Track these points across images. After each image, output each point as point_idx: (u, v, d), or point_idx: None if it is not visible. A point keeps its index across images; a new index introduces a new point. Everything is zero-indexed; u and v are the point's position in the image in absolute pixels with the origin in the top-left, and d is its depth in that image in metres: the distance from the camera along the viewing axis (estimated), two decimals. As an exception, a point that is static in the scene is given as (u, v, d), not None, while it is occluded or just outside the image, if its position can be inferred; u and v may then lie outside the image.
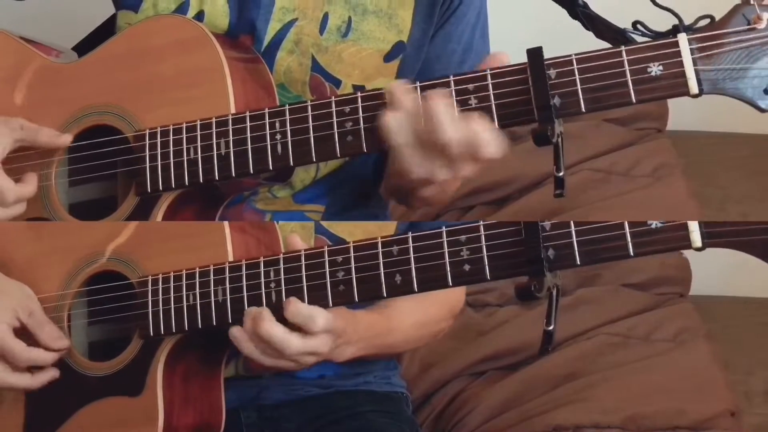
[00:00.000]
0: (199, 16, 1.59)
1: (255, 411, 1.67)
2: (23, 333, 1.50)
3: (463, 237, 1.32)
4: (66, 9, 1.89)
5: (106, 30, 1.75)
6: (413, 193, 1.52)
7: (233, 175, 1.43)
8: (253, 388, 1.68)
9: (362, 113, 1.37)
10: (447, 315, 1.71)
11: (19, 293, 1.53)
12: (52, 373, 1.51)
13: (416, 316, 1.64)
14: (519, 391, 2.15)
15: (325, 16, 1.59)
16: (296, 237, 1.44)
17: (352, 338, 1.49)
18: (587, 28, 1.32)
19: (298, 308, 1.38)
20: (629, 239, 1.25)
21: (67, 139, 1.53)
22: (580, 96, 1.27)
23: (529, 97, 1.29)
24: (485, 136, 1.31)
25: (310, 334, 1.38)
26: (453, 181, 1.43)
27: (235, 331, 1.40)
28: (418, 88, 1.35)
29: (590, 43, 1.35)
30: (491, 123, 1.32)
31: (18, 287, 1.54)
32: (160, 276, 1.47)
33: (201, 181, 1.45)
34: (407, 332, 1.64)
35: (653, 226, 1.24)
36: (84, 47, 1.70)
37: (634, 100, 1.25)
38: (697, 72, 1.23)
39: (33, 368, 1.51)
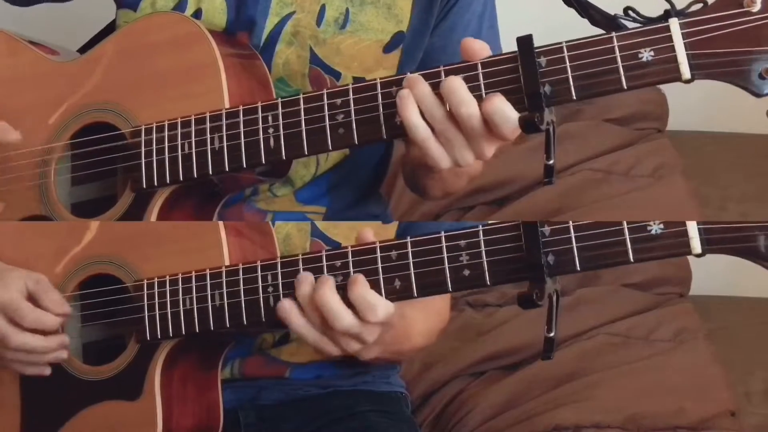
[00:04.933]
0: (197, 14, 1.60)
1: (253, 411, 1.67)
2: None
3: (462, 242, 1.32)
4: (71, 11, 1.89)
5: (111, 32, 1.75)
6: (435, 179, 1.55)
7: (226, 169, 1.43)
8: (252, 388, 1.68)
9: (353, 105, 1.37)
10: (439, 327, 1.70)
11: (25, 269, 1.54)
12: (63, 338, 1.51)
13: (423, 324, 1.63)
14: (519, 391, 2.15)
15: (322, 8, 1.59)
16: (370, 231, 1.41)
17: (384, 340, 1.46)
18: (581, 15, 1.32)
19: (364, 292, 1.35)
20: (629, 245, 1.24)
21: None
22: (571, 83, 1.26)
23: (520, 86, 1.29)
24: (508, 111, 1.29)
25: (365, 320, 1.36)
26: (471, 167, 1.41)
27: (287, 303, 1.37)
28: (443, 71, 1.34)
29: (588, 32, 1.34)
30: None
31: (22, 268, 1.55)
32: (156, 280, 1.47)
33: (195, 176, 1.45)
34: (416, 340, 1.63)
35: (653, 231, 1.23)
36: (89, 49, 1.70)
37: (625, 87, 1.24)
38: (688, 57, 1.21)
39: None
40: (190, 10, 1.60)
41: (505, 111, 1.29)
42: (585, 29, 1.38)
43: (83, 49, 1.75)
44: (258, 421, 1.67)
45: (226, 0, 1.60)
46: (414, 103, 1.33)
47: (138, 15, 1.62)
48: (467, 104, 1.30)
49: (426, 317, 1.63)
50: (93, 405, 1.50)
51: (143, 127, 1.48)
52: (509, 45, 1.53)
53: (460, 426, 2.12)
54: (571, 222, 1.27)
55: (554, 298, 1.29)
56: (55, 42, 1.69)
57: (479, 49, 1.33)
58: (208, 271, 1.44)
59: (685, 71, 1.22)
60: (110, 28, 1.76)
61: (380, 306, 1.35)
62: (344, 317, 1.35)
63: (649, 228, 1.24)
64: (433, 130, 1.33)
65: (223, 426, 1.54)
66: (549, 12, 1.69)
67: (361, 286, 1.34)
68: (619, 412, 2.06)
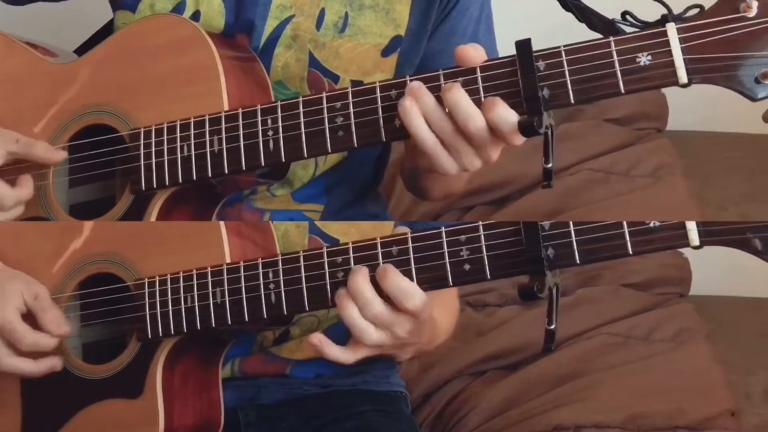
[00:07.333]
0: (196, 16, 1.60)
1: (253, 410, 1.67)
2: (28, 318, 1.50)
3: (462, 237, 1.32)
4: (68, 12, 1.90)
5: (107, 32, 1.75)
6: (438, 181, 1.56)
7: (226, 171, 1.43)
8: (252, 387, 1.68)
9: (353, 108, 1.37)
10: (454, 323, 1.70)
11: (25, 278, 1.54)
12: (54, 362, 1.51)
13: (446, 321, 1.63)
14: (519, 391, 2.15)
15: (322, 12, 1.59)
16: (406, 230, 1.41)
17: (422, 338, 1.46)
18: (580, 20, 1.32)
19: (398, 281, 1.34)
20: (628, 238, 1.25)
21: (62, 154, 1.53)
22: (569, 87, 1.26)
23: (519, 90, 1.29)
24: (512, 118, 1.30)
25: (403, 309, 1.35)
26: None
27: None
28: (442, 75, 1.34)
29: (584, 33, 1.35)
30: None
31: (23, 274, 1.54)
32: (157, 278, 1.47)
33: (194, 178, 1.45)
34: (441, 338, 1.63)
35: (652, 224, 1.24)
36: (86, 49, 1.70)
37: (623, 91, 1.24)
38: (686, 61, 1.22)
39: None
40: (188, 12, 1.60)
41: (509, 119, 1.30)
42: (581, 30, 1.38)
43: (80, 50, 1.75)
44: (258, 420, 1.67)
45: (225, 2, 1.60)
46: (420, 115, 1.33)
47: (137, 17, 1.62)
48: (474, 118, 1.30)
49: (447, 314, 1.63)
50: (94, 404, 1.50)
51: (142, 130, 1.48)
52: (506, 45, 1.54)
53: (460, 426, 2.12)
54: (571, 221, 1.28)
55: (554, 291, 1.29)
56: (50, 42, 1.70)
57: (474, 55, 1.33)
58: (209, 269, 1.44)
59: (683, 75, 1.22)
60: (107, 29, 1.77)
61: (417, 294, 1.34)
62: (375, 305, 1.34)
63: (648, 222, 1.24)
64: (441, 140, 1.34)
65: (223, 425, 1.54)
66: (545, 12, 1.69)
67: (394, 276, 1.34)
68: (619, 412, 2.06)
